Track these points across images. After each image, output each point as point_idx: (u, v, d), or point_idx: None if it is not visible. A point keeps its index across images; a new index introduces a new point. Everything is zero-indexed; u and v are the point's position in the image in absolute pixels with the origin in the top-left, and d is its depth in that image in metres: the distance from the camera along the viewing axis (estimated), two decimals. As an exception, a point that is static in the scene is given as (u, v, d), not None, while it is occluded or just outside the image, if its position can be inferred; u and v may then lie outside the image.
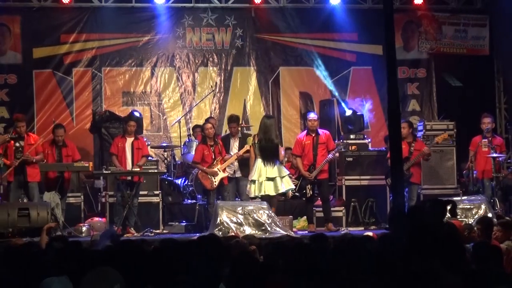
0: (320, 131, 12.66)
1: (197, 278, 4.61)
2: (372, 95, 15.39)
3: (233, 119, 13.47)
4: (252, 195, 12.05)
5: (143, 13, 15.35)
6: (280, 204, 12.77)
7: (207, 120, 13.22)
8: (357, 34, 16.02)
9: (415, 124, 14.20)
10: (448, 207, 8.39)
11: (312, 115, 12.88)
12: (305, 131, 12.84)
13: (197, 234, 10.52)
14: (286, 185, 12.05)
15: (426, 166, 13.14)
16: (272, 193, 11.95)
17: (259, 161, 11.99)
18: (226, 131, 14.31)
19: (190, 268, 5.24)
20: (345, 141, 13.38)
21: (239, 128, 13.34)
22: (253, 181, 11.98)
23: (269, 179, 11.94)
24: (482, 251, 6.79)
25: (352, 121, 14.21)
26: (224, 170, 12.48)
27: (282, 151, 12.61)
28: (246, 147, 12.37)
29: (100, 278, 4.05)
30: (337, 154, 12.94)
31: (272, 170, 11.96)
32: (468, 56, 15.90)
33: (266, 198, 11.91)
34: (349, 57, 16.24)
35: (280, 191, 12.03)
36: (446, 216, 8.36)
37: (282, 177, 11.99)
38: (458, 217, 9.59)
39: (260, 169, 11.96)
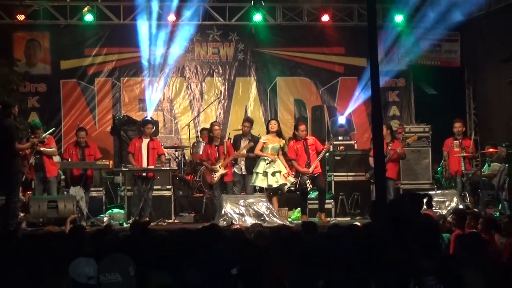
0: (307, 137, 12.61)
1: (212, 262, 4.63)
2: (358, 102, 15.41)
3: (248, 120, 13.40)
4: (256, 184, 12.15)
5: (157, 29, 15.28)
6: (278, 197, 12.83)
7: (212, 124, 13.20)
8: (345, 48, 16.07)
9: (395, 127, 14.27)
10: (425, 200, 8.46)
11: (303, 127, 12.70)
12: (294, 140, 12.54)
13: (205, 224, 10.55)
14: (283, 179, 12.08)
15: (405, 164, 13.16)
16: (275, 185, 11.98)
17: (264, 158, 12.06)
18: (229, 134, 14.34)
19: (201, 253, 5.29)
20: (333, 142, 13.38)
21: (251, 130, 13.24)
22: (257, 173, 12.04)
23: (273, 173, 12.00)
24: (468, 239, 6.84)
25: (341, 124, 14.29)
26: (225, 168, 12.39)
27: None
28: (245, 146, 12.50)
29: (117, 262, 4.10)
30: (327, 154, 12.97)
31: (275, 166, 12.04)
32: (442, 67, 15.88)
33: (269, 189, 12.01)
34: (338, 69, 16.27)
35: (280, 184, 12.03)
36: (423, 208, 8.43)
37: (281, 173, 12.05)
38: (433, 208, 9.64)
39: (265, 164, 12.01)
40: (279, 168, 12.03)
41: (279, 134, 12.20)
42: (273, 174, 11.99)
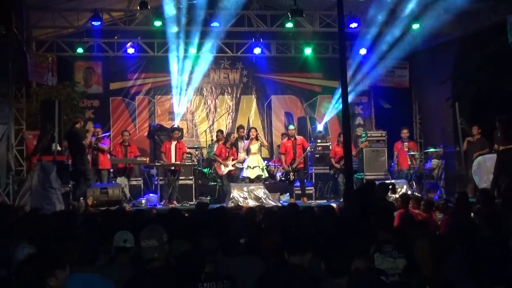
0: (297, 136, 12.74)
1: (225, 233, 4.61)
2: (332, 114, 15.42)
3: (241, 126, 13.82)
4: (245, 175, 12.31)
5: (183, 59, 15.19)
6: (271, 185, 12.85)
7: (229, 133, 13.63)
8: (322, 74, 16.05)
9: (359, 133, 14.30)
10: (390, 187, 8.48)
11: (291, 127, 12.97)
12: (286, 138, 12.85)
13: (217, 205, 10.59)
14: (261, 171, 12.38)
15: (367, 160, 13.18)
16: (252, 176, 12.25)
17: (251, 155, 12.31)
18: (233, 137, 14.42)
19: (215, 226, 5.29)
20: (314, 144, 13.46)
21: (245, 134, 13.35)
22: (248, 167, 12.27)
23: (253, 167, 12.28)
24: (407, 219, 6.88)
25: (319, 131, 14.38)
26: (233, 165, 12.69)
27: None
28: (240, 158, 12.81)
29: (154, 231, 4.11)
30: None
31: (259, 162, 12.34)
32: (395, 88, 15.87)
33: (255, 178, 12.23)
34: (317, 89, 16.25)
35: (257, 174, 12.30)
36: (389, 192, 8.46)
37: (262, 167, 12.38)
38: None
39: (252, 160, 12.28)
40: (257, 164, 12.31)
41: (256, 138, 12.59)
42: (253, 168, 12.22)
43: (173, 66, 14.91)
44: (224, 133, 13.94)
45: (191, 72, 15.26)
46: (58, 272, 3.32)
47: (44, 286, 3.24)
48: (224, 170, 12.63)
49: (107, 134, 12.82)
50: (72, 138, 11.01)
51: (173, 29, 13.61)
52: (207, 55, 15.09)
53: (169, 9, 13.01)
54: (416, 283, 4.27)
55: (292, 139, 12.55)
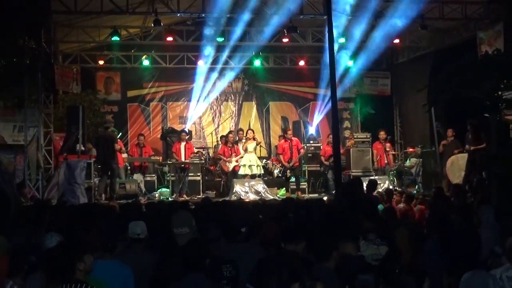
0: (292, 138, 12.71)
1: (228, 222, 4.62)
2: (323, 117, 15.42)
3: (241, 129, 13.74)
4: (242, 173, 12.22)
5: (191, 70, 15.30)
6: (269, 181, 12.80)
7: (228, 133, 13.36)
8: (314, 83, 16.04)
9: (347, 134, 14.31)
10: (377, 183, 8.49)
11: (290, 132, 12.95)
12: (284, 139, 12.79)
13: (222, 199, 10.60)
14: (258, 169, 12.35)
15: (354, 159, 13.17)
16: (253, 172, 12.21)
17: (248, 154, 12.26)
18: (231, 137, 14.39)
19: (219, 216, 5.28)
20: (307, 145, 13.47)
21: (244, 136, 13.33)
22: (244, 165, 12.22)
23: (249, 166, 12.24)
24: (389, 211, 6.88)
25: (311, 134, 14.40)
26: (236, 161, 12.54)
27: None
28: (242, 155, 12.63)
29: (184, 218, 4.10)
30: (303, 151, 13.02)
31: (255, 160, 12.30)
32: (378, 95, 15.89)
33: (252, 175, 12.20)
34: (310, 96, 16.28)
35: (254, 172, 12.25)
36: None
37: (254, 165, 12.31)
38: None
39: (248, 159, 12.24)
40: (254, 162, 12.28)
41: (253, 138, 12.63)
42: (250, 166, 12.16)
43: (184, 76, 15.03)
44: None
45: (199, 82, 15.26)
46: (86, 257, 3.35)
47: (75, 270, 3.26)
48: (229, 166, 12.63)
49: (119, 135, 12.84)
50: (108, 140, 11.06)
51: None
52: (213, 67, 15.10)
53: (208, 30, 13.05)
54: (395, 267, 4.27)
55: (289, 141, 12.54)
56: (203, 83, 15.31)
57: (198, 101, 15.47)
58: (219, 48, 14.44)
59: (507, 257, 3.86)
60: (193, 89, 15.39)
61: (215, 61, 15.13)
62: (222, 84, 15.70)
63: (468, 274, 3.76)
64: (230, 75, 15.67)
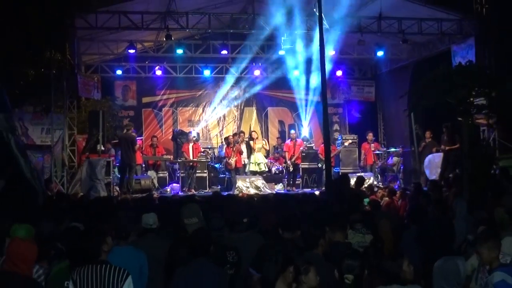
0: (297, 139, 12.90)
1: (230, 214, 4.60)
2: (316, 121, 15.41)
3: (242, 132, 13.78)
4: (253, 170, 12.29)
5: (199, 79, 15.24)
6: (268, 177, 12.80)
7: (228, 136, 13.41)
8: (307, 90, 15.93)
9: (336, 136, 14.28)
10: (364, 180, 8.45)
11: (293, 131, 13.16)
12: (289, 139, 12.93)
13: (226, 193, 10.59)
14: (264, 167, 12.42)
15: (342, 158, 13.17)
16: (261, 169, 12.32)
17: (256, 153, 12.35)
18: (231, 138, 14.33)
19: (222, 209, 5.27)
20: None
21: (246, 137, 13.34)
22: (253, 163, 12.28)
23: (257, 163, 12.33)
24: (373, 204, 6.85)
25: (304, 136, 14.37)
26: (235, 156, 12.50)
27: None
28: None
29: (193, 209, 4.09)
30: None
31: (262, 158, 12.36)
32: (363, 101, 15.86)
33: (257, 171, 12.28)
34: (303, 102, 16.11)
35: (262, 169, 12.38)
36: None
37: (262, 163, 12.45)
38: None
39: (255, 157, 12.33)
40: (260, 160, 12.36)
41: (257, 138, 12.83)
42: (258, 164, 12.28)
43: (191, 84, 14.94)
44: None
45: (205, 89, 15.23)
46: (108, 239, 3.44)
47: (100, 252, 3.33)
48: (232, 164, 12.63)
49: (140, 138, 12.84)
50: (128, 141, 11.14)
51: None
52: (218, 76, 15.04)
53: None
54: (379, 254, 4.27)
55: (293, 140, 12.68)
56: (209, 90, 15.30)
57: (204, 106, 15.43)
58: (223, 60, 14.46)
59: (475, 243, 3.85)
60: (201, 96, 15.37)
61: (219, 71, 15.12)
62: (226, 91, 15.63)
63: (441, 260, 3.77)
64: (233, 83, 15.59)
